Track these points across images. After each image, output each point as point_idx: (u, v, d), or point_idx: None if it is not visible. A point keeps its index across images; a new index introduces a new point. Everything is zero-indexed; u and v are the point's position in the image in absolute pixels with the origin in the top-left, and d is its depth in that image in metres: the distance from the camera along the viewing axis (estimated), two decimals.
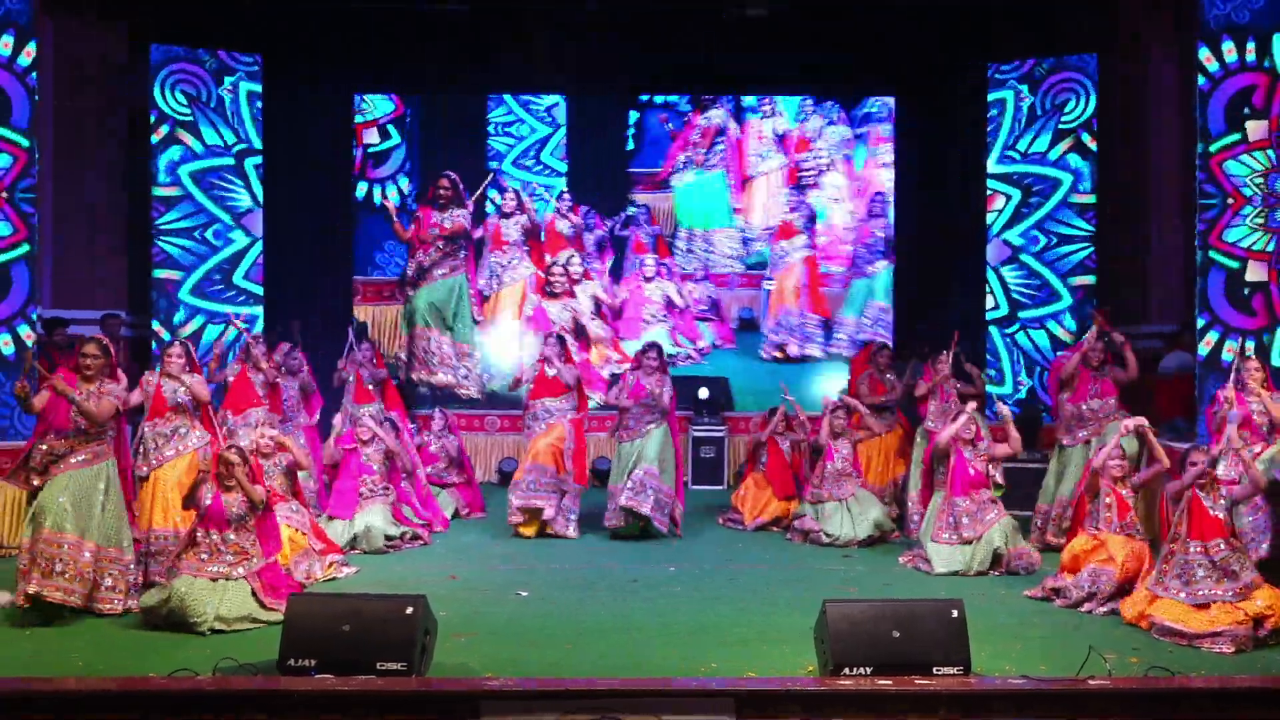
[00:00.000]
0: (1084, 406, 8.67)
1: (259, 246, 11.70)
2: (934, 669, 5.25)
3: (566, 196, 11.33)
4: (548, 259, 10.84)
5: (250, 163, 11.63)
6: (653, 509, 8.96)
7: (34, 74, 9.01)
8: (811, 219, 11.01)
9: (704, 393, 8.48)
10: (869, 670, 5.21)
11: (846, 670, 5.22)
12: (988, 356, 11.74)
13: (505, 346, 10.83)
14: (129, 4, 11.32)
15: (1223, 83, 9.01)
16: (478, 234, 11.17)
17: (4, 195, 8.86)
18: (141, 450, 7.46)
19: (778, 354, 10.67)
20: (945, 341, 9.53)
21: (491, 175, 10.39)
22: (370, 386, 10.18)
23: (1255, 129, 8.94)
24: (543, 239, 10.83)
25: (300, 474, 8.12)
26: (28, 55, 8.94)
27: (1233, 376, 7.69)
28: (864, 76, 12.92)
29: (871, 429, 9.87)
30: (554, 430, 9.20)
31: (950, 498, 8.06)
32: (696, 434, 11.76)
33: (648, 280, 10.73)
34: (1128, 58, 11.44)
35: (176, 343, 7.80)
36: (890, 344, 10.88)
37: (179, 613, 6.28)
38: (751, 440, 10.42)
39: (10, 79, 8.91)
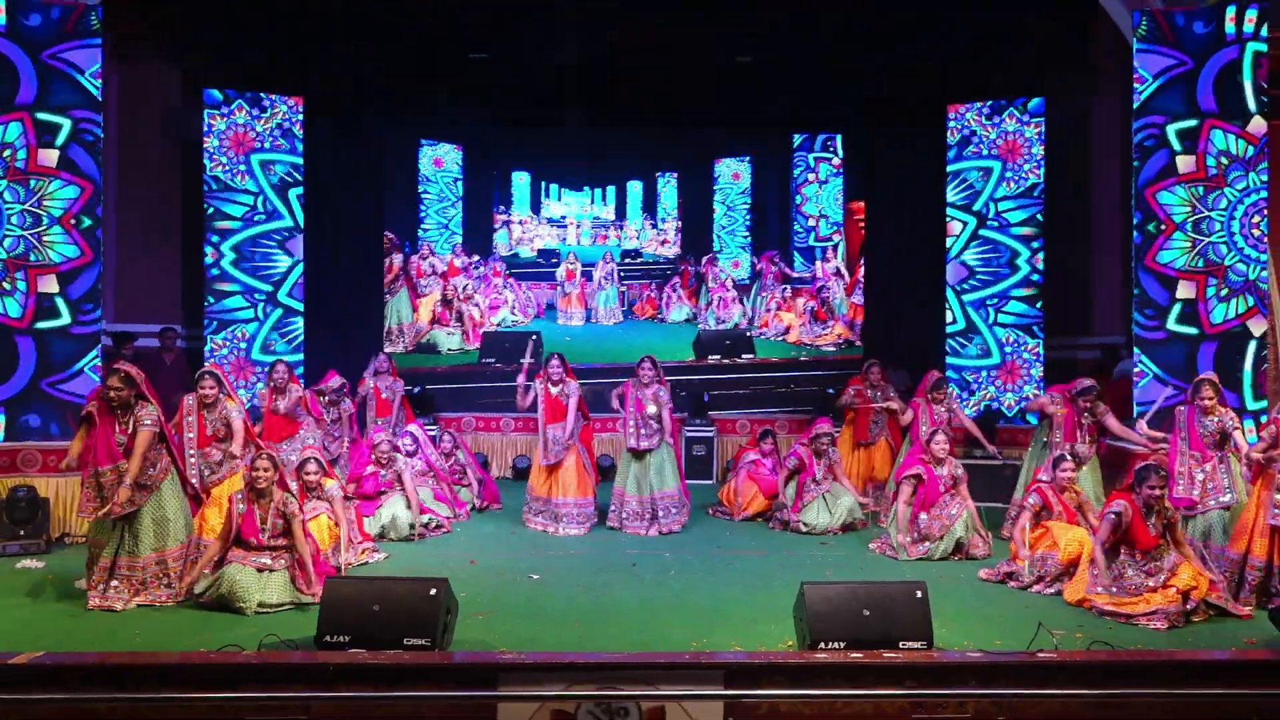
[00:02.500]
0: (1070, 447, 8.39)
1: (300, 268, 11.61)
2: (900, 644, 5.27)
3: (459, 248, 14.62)
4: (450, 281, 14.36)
5: (293, 193, 11.53)
6: (678, 522, 9.07)
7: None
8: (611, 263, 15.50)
9: (530, 344, 10.35)
10: (843, 645, 5.22)
11: (823, 645, 5.24)
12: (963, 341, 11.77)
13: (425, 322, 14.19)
14: (185, 53, 11.40)
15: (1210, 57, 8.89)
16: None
17: (71, 222, 8.85)
18: (194, 475, 7.26)
19: (569, 322, 14.97)
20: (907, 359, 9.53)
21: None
22: (388, 398, 10.23)
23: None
24: (446, 270, 14.50)
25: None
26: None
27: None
28: (838, 116, 13.15)
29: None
30: (572, 462, 9.06)
31: (917, 515, 8.03)
32: (689, 434, 11.78)
33: (500, 289, 14.82)
34: (1071, 100, 11.49)
35: (207, 374, 7.50)
36: (877, 361, 10.80)
37: (228, 597, 6.28)
38: (740, 453, 10.46)
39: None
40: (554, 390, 9.07)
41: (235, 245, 11.23)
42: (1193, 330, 8.96)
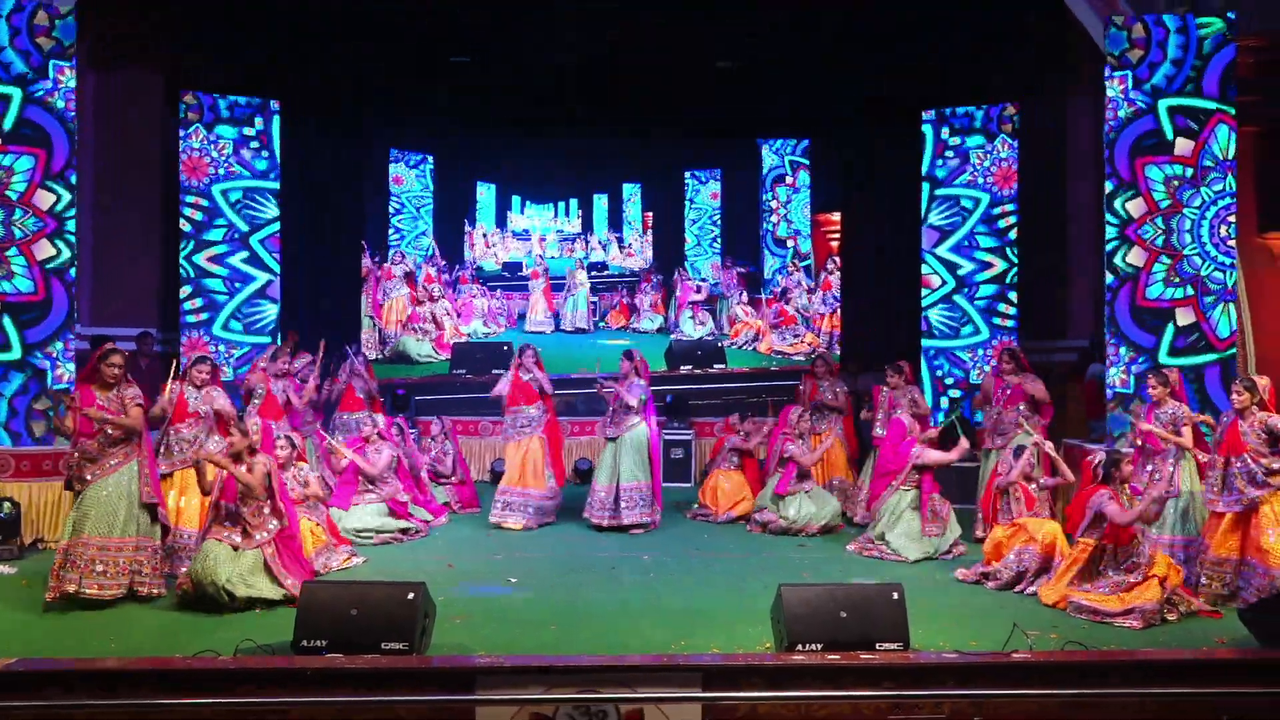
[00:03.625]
0: (997, 412, 8.79)
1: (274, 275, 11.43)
2: (877, 645, 5.28)
3: (432, 258, 15.44)
4: (421, 285, 15.01)
5: (255, 239, 11.26)
6: (641, 514, 9.08)
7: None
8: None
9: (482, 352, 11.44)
10: (820, 647, 5.23)
11: (800, 647, 5.24)
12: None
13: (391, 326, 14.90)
14: (162, 58, 11.29)
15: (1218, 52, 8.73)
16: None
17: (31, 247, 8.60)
18: (164, 450, 7.43)
19: (538, 330, 15.81)
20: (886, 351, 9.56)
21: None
22: (361, 396, 10.22)
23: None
24: (419, 275, 15.14)
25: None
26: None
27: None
28: (812, 121, 13.24)
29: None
30: (527, 446, 9.22)
31: (929, 494, 8.10)
32: (668, 437, 11.76)
33: (473, 296, 15.69)
34: (1047, 107, 11.54)
35: (202, 359, 7.84)
36: (824, 355, 10.90)
37: (200, 572, 6.29)
38: (720, 441, 10.41)
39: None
40: (525, 376, 9.28)
41: (224, 322, 11.21)
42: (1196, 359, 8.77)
